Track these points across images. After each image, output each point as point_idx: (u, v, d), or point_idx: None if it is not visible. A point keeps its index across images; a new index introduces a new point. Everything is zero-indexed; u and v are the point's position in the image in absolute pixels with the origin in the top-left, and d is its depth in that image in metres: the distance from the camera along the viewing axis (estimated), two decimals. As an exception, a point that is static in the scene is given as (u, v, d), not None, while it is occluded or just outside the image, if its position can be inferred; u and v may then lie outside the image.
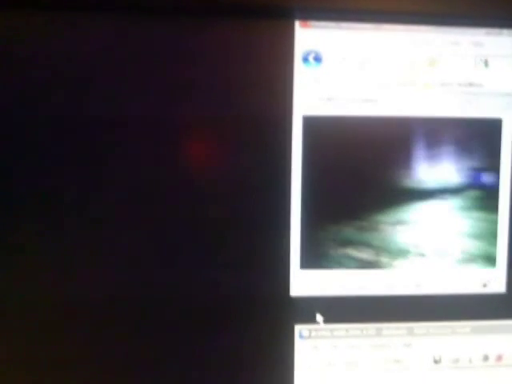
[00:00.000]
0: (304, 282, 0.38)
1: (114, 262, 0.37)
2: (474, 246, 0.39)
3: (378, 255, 0.38)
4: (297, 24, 0.37)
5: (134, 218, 0.37)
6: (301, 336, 0.39)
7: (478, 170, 0.39)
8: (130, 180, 0.37)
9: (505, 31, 0.38)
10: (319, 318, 0.39)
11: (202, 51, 0.36)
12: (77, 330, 0.37)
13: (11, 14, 0.35)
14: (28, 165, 0.36)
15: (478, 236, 0.39)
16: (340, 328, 0.39)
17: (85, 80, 0.36)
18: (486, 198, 0.39)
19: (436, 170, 0.38)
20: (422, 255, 0.39)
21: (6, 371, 0.37)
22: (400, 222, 0.38)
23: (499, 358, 0.40)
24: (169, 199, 0.37)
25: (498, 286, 0.40)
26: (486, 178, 0.39)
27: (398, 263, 0.39)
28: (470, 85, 0.38)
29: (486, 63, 0.38)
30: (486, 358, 0.40)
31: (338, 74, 0.37)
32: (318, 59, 0.37)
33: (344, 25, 0.37)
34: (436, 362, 0.40)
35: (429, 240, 0.39)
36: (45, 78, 0.35)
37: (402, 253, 0.39)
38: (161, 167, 0.37)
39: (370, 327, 0.39)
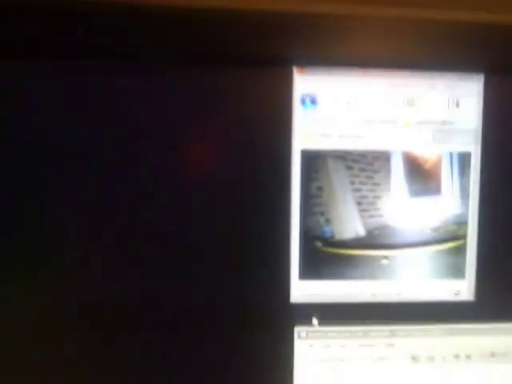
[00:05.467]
0: (302, 291, 0.41)
1: (114, 268, 0.38)
2: (447, 261, 0.42)
3: (366, 268, 0.41)
4: (295, 70, 0.39)
5: (134, 225, 0.38)
6: (299, 336, 0.41)
7: (449, 198, 0.41)
8: (130, 186, 0.38)
9: (474, 76, 0.41)
10: (315, 321, 0.41)
11: (212, 97, 0.39)
12: (78, 336, 0.39)
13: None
14: (28, 169, 0.38)
15: (450, 252, 0.41)
16: (333, 330, 0.41)
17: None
18: (456, 221, 0.42)
19: (413, 197, 0.41)
20: (403, 269, 0.41)
21: (6, 372, 0.39)
22: (384, 244, 0.41)
23: (468, 356, 0.43)
24: (171, 210, 0.38)
25: (468, 294, 0.42)
26: (457, 203, 0.41)
27: (382, 276, 0.41)
28: (444, 123, 0.41)
29: (458, 104, 0.41)
30: (457, 356, 0.43)
31: (330, 113, 0.40)
32: (313, 101, 0.40)
33: (335, 70, 0.39)
34: (414, 359, 0.42)
35: (408, 257, 0.41)
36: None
37: (385, 268, 0.41)
38: (166, 187, 0.38)
39: (358, 329, 0.41)
